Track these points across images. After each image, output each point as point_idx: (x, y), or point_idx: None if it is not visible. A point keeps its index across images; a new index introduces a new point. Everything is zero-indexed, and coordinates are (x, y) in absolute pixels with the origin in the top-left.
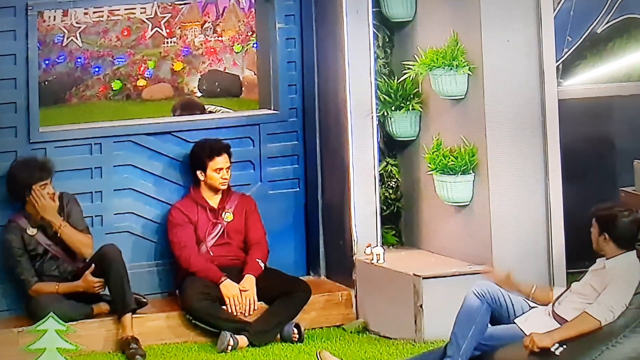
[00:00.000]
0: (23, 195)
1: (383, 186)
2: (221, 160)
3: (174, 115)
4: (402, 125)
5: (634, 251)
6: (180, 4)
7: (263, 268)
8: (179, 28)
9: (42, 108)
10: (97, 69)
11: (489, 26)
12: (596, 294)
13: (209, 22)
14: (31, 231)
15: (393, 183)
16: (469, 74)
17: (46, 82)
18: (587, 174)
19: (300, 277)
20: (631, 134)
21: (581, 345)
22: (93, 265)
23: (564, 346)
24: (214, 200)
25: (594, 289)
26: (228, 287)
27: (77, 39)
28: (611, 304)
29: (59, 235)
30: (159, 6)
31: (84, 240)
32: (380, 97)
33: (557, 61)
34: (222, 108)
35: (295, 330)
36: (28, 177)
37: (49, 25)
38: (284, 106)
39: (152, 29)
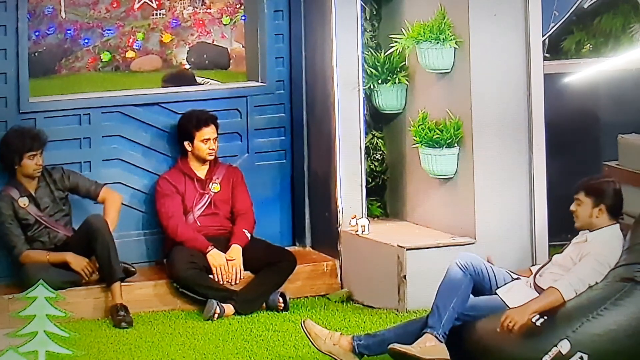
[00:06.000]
0: (12, 163)
1: (369, 158)
2: (208, 131)
3: (164, 87)
4: (389, 98)
5: (618, 225)
6: None
7: (249, 238)
8: (168, 0)
9: (32, 79)
10: (86, 41)
11: (475, 0)
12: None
13: None
14: (23, 202)
15: (379, 155)
16: (455, 48)
17: (36, 54)
18: (571, 148)
19: (286, 248)
20: (615, 108)
21: (562, 316)
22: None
23: (545, 317)
24: (201, 171)
25: (573, 260)
26: (215, 256)
27: (63, 10)
28: (580, 277)
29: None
30: None
31: (115, 204)
32: (367, 70)
33: (543, 35)
34: (210, 80)
35: (281, 299)
36: (19, 145)
37: None
38: (271, 78)
39: (140, 1)
